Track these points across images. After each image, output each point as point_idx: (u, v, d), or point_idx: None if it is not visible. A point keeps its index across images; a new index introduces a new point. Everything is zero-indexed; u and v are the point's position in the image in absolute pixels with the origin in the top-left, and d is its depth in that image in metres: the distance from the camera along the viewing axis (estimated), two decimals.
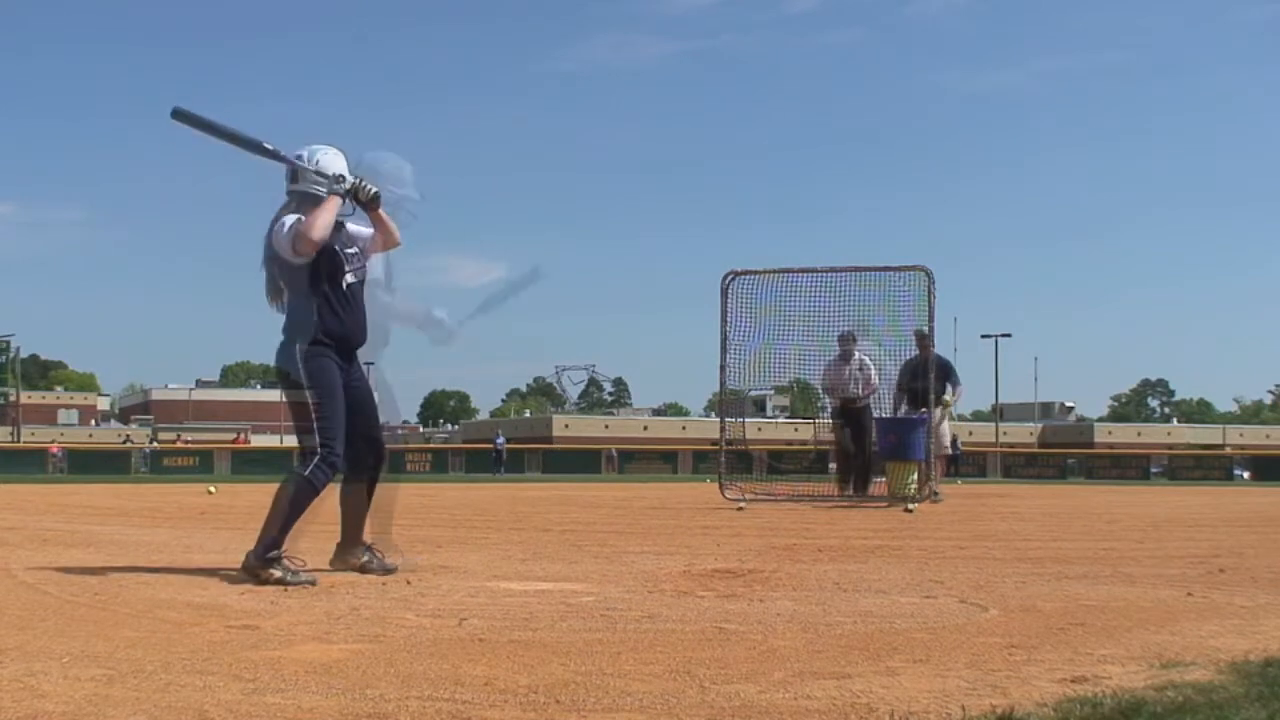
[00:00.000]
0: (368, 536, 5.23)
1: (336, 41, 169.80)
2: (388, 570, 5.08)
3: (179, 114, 4.97)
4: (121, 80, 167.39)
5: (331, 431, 4.91)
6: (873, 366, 12.71)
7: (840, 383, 12.65)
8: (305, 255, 4.89)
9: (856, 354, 12.62)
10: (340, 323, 4.99)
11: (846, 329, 12.54)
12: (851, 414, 12.62)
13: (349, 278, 5.03)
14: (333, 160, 5.03)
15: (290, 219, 4.93)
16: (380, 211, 5.06)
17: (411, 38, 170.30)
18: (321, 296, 4.96)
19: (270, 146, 5.02)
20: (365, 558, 5.14)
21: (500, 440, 48.27)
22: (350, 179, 4.95)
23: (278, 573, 4.68)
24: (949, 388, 13.56)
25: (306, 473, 4.87)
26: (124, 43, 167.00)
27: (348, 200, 4.98)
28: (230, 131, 4.99)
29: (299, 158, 5.03)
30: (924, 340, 12.21)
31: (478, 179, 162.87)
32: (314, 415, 4.90)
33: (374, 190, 4.99)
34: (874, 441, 12.50)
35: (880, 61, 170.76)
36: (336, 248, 5.00)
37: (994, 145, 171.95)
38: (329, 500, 5.12)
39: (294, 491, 4.87)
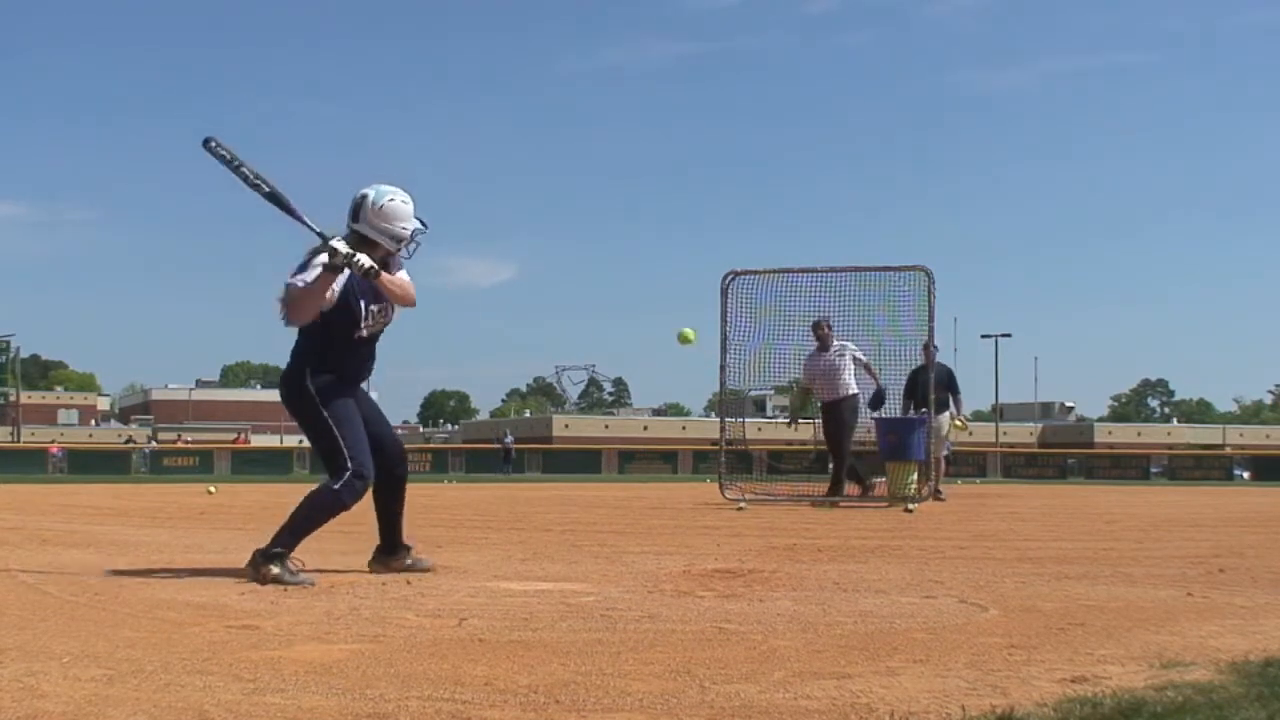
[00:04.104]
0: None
1: (350, 43, 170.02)
2: (427, 568, 5.18)
3: (211, 147, 4.85)
4: (136, 81, 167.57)
5: (356, 447, 4.92)
6: (858, 353, 12.24)
7: (814, 375, 12.34)
8: (291, 325, 4.88)
9: (835, 342, 12.24)
10: (347, 367, 4.99)
11: (820, 316, 12.24)
12: (829, 410, 12.30)
13: (362, 332, 4.95)
14: (398, 209, 4.89)
15: (298, 275, 4.77)
16: (383, 278, 4.84)
17: (423, 39, 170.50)
18: (336, 339, 4.91)
19: (291, 206, 4.88)
20: (409, 560, 5.19)
21: (509, 439, 48.11)
22: (343, 252, 4.69)
23: (276, 569, 4.69)
24: (950, 398, 13.55)
25: (337, 487, 4.88)
26: (138, 44, 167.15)
27: (348, 270, 4.77)
28: (256, 178, 4.87)
29: (364, 197, 4.89)
30: (928, 351, 12.21)
31: (485, 180, 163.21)
32: (338, 435, 4.90)
33: (367, 266, 4.73)
34: (854, 439, 12.34)
35: (887, 63, 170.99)
36: (361, 303, 4.89)
37: (994, 145, 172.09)
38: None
39: (320, 502, 4.90)
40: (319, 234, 4.80)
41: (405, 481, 5.28)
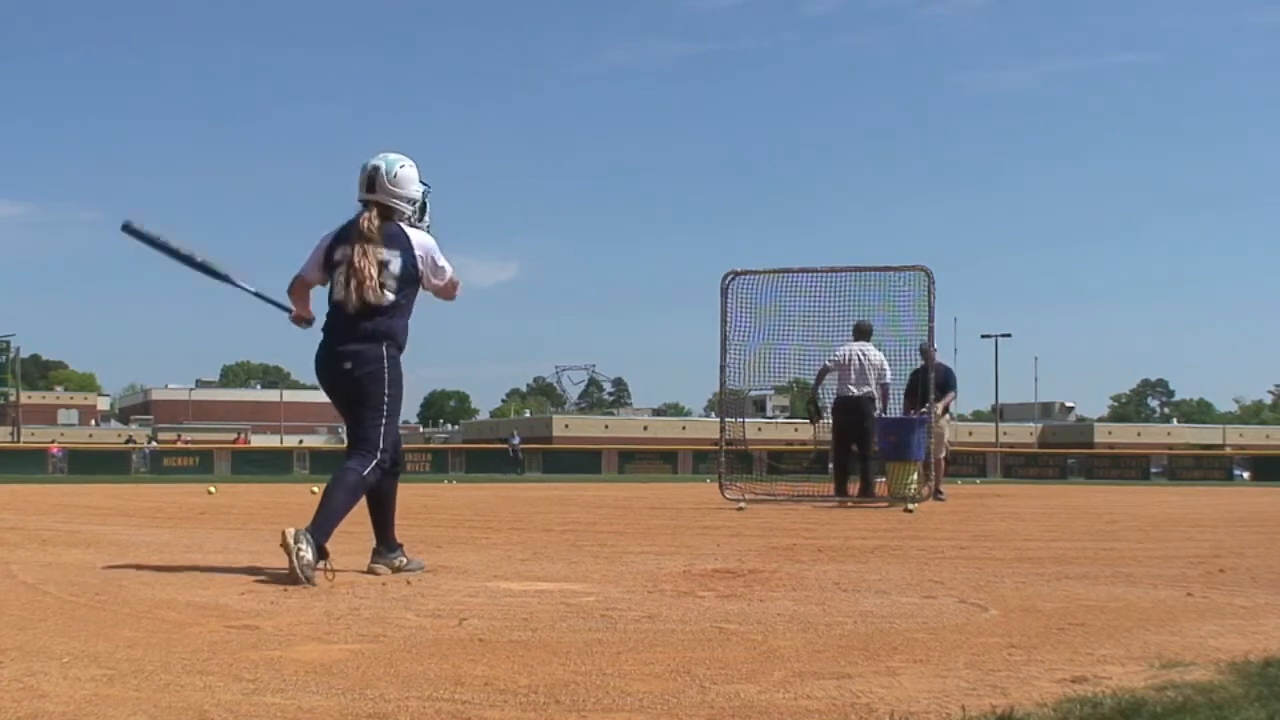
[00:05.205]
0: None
1: (350, 43, 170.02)
2: (420, 568, 5.23)
3: (130, 230, 5.19)
4: (138, 81, 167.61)
5: (392, 437, 5.08)
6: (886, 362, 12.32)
7: (849, 372, 12.34)
8: (446, 296, 5.28)
9: (870, 347, 12.29)
10: (405, 340, 5.19)
11: (862, 319, 12.27)
12: (852, 410, 12.26)
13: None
14: (409, 175, 5.15)
15: (445, 262, 5.16)
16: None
17: (424, 39, 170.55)
18: (407, 314, 5.15)
19: (219, 271, 5.31)
20: (401, 559, 5.20)
21: (516, 440, 48.12)
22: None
23: (309, 556, 4.63)
24: (941, 394, 13.53)
25: (366, 472, 4.96)
26: (140, 44, 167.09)
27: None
28: (176, 250, 5.25)
29: (376, 168, 5.09)
30: (928, 355, 12.21)
31: (487, 180, 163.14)
32: (385, 419, 5.03)
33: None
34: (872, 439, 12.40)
35: (888, 63, 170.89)
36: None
37: (995, 145, 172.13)
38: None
39: (352, 487, 4.94)
40: (255, 294, 5.34)
41: (398, 479, 5.32)
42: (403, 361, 5.13)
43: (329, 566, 4.75)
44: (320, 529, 4.77)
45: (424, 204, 5.20)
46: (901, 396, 12.71)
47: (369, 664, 3.02)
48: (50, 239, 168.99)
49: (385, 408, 5.02)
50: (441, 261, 5.14)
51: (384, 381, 5.02)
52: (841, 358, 12.20)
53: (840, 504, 11.85)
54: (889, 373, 12.28)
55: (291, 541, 4.63)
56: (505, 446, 47.01)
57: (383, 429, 5.02)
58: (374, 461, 4.98)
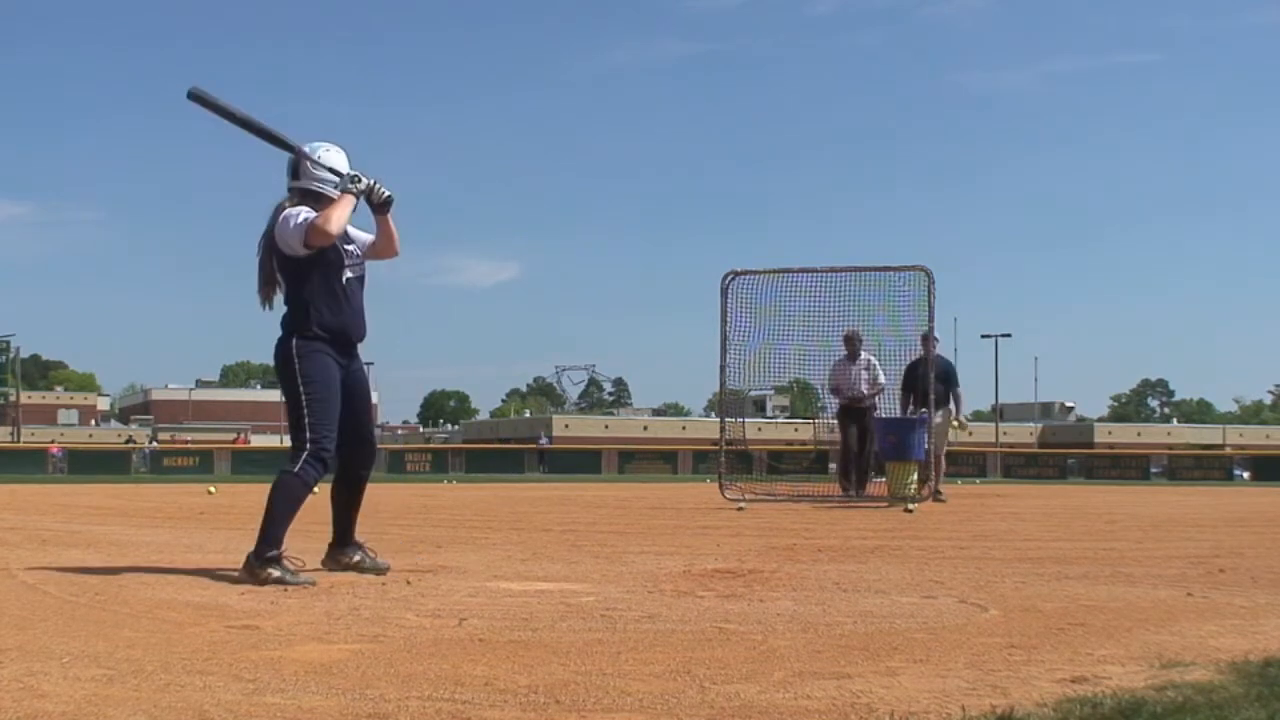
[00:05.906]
0: (361, 535, 5.25)
1: (352, 42, 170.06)
2: (379, 569, 5.08)
3: (195, 96, 4.92)
4: (138, 81, 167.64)
5: (322, 427, 4.89)
6: (879, 366, 12.73)
7: (846, 382, 12.66)
8: (314, 248, 4.84)
9: (863, 354, 12.63)
10: (338, 317, 4.95)
11: (852, 328, 12.55)
12: (856, 414, 12.65)
13: (348, 273, 4.98)
14: (336, 158, 5.00)
15: (303, 212, 4.86)
16: (388, 216, 5.06)
17: (425, 39, 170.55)
18: (321, 291, 4.92)
19: (283, 136, 5.00)
20: (357, 556, 5.14)
21: (544, 440, 48.43)
22: (366, 179, 4.92)
23: (276, 572, 4.68)
24: (950, 394, 13.52)
25: (296, 469, 4.86)
26: (140, 44, 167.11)
27: (360, 200, 4.95)
28: (244, 118, 4.95)
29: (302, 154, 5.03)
30: (927, 342, 12.26)
31: (488, 180, 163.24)
32: (305, 410, 4.88)
33: (387, 194, 4.98)
34: (874, 442, 12.50)
35: (888, 63, 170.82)
36: (338, 244, 4.95)
37: (995, 146, 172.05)
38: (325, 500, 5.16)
39: (285, 489, 4.86)
40: (328, 169, 4.97)
41: (366, 481, 5.25)
42: (321, 342, 4.90)
43: (296, 563, 4.80)
44: (264, 542, 4.77)
45: (363, 185, 4.95)
46: (899, 392, 12.78)
47: (369, 664, 3.03)
48: (50, 239, 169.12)
49: (302, 398, 4.87)
50: (295, 223, 4.82)
51: (289, 373, 4.90)
52: (834, 366, 12.70)
53: (841, 503, 11.89)
54: (866, 374, 12.65)
55: (257, 580, 4.66)
56: (535, 447, 47.52)
57: (307, 421, 4.86)
58: (302, 456, 4.86)
